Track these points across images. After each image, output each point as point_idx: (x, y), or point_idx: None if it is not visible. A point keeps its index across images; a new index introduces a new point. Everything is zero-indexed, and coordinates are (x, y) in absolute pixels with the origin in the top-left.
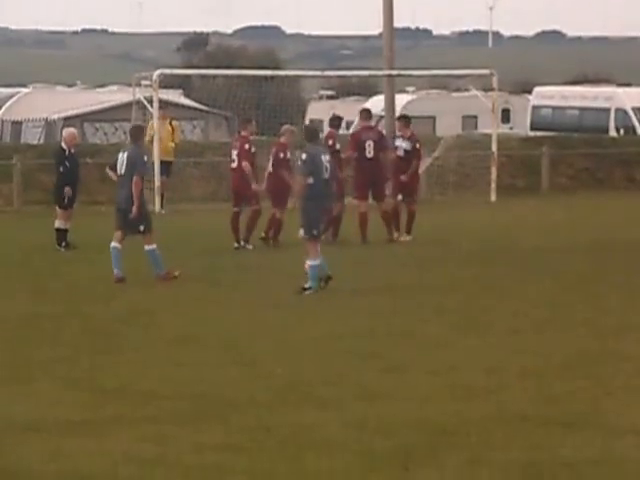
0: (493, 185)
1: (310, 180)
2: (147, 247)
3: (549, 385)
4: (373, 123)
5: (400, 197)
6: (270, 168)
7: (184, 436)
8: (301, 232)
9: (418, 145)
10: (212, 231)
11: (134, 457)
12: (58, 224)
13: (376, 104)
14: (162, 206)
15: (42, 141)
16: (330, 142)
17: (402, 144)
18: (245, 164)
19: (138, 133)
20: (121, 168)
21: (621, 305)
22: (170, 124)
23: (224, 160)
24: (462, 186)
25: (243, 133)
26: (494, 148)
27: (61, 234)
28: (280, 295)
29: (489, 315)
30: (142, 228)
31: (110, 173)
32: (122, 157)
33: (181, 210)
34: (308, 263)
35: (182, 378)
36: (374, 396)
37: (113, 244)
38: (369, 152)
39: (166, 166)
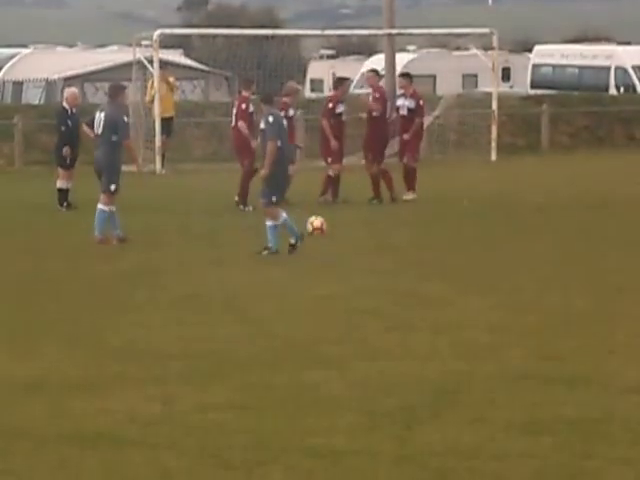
0: (493, 144)
1: (278, 143)
2: (101, 206)
3: (551, 343)
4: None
5: (405, 159)
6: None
7: (188, 395)
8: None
9: (421, 102)
10: (213, 191)
11: (138, 416)
12: (60, 184)
13: (376, 63)
14: (163, 166)
15: (43, 101)
16: (330, 105)
17: (405, 102)
18: (241, 123)
19: (117, 91)
20: (98, 127)
21: (622, 262)
22: (167, 82)
23: (225, 120)
24: (462, 145)
25: (244, 93)
26: (494, 107)
27: (63, 194)
28: (282, 255)
29: (491, 274)
30: (113, 188)
31: (87, 130)
32: (99, 116)
33: (182, 170)
34: (267, 224)
35: (185, 337)
36: (376, 355)
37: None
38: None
39: (167, 123)
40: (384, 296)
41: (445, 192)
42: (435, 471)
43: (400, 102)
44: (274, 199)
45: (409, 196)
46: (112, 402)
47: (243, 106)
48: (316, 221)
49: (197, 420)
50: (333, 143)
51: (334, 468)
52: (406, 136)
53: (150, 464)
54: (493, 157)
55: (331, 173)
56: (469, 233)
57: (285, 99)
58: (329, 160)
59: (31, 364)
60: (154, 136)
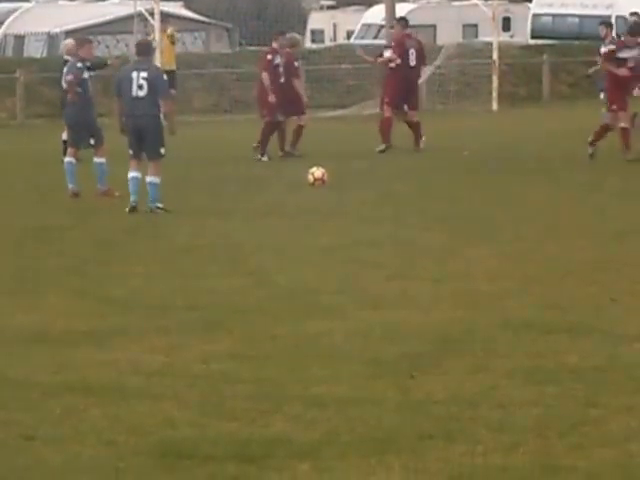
0: (494, 94)
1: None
2: (97, 159)
3: (553, 292)
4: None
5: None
6: (282, 78)
7: (190, 346)
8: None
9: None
10: (214, 142)
11: (141, 367)
12: (65, 136)
13: (376, 14)
14: (164, 118)
15: (45, 55)
16: (269, 57)
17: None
18: (264, 75)
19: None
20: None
21: (622, 211)
22: (168, 36)
23: (225, 72)
24: (463, 95)
25: (274, 44)
26: (495, 57)
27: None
28: (282, 205)
29: (491, 223)
30: (93, 141)
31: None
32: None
33: (182, 122)
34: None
35: (188, 289)
36: (378, 305)
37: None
38: (412, 60)
39: (169, 77)
40: (385, 246)
41: (446, 142)
42: (438, 419)
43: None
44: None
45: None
46: (115, 353)
47: (269, 57)
48: (317, 172)
49: (200, 370)
50: (272, 97)
51: (337, 417)
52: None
53: (153, 414)
54: (494, 107)
55: (302, 123)
56: (469, 183)
57: (289, 50)
58: (263, 112)
59: (34, 315)
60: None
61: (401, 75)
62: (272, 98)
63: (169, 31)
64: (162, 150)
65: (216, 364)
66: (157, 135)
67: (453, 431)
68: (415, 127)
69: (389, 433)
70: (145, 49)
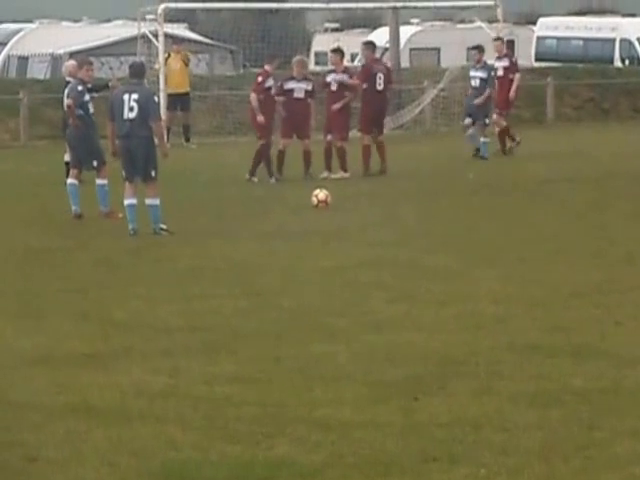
0: None
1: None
2: (99, 181)
3: (558, 315)
4: (378, 55)
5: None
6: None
7: (194, 368)
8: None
9: (354, 78)
10: (217, 164)
11: (144, 390)
12: (67, 157)
13: (380, 36)
14: (168, 139)
15: (48, 76)
16: (260, 79)
17: (336, 78)
18: (253, 96)
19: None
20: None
21: (628, 234)
22: (183, 58)
23: (229, 94)
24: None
25: (266, 67)
26: None
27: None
28: (286, 227)
29: (496, 245)
30: (95, 163)
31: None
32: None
33: (186, 144)
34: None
35: (191, 310)
36: (382, 327)
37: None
38: (380, 85)
39: (183, 99)
40: (389, 268)
41: (450, 165)
42: (442, 442)
43: (330, 77)
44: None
45: (337, 175)
46: (118, 375)
47: (259, 79)
48: (321, 194)
49: (204, 393)
50: (259, 118)
51: (341, 439)
52: (336, 105)
53: (156, 436)
54: (498, 129)
55: (281, 147)
56: (474, 205)
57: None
58: (258, 135)
59: (37, 338)
60: (172, 109)
61: (368, 100)
62: (260, 118)
63: (183, 52)
64: (153, 172)
65: (220, 386)
66: (148, 157)
67: (457, 454)
68: (381, 150)
69: (393, 456)
70: (138, 71)
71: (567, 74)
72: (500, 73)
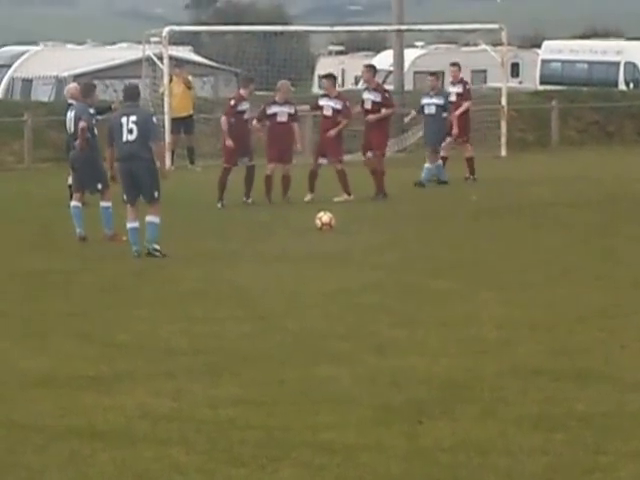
0: (503, 139)
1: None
2: (103, 204)
3: (562, 339)
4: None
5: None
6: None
7: (198, 391)
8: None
9: (347, 104)
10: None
11: (148, 412)
12: (70, 180)
13: (384, 60)
14: (172, 162)
15: (53, 98)
16: (232, 103)
17: (330, 103)
18: (223, 119)
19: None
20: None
21: (633, 258)
22: (185, 81)
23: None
24: (472, 140)
25: (240, 91)
26: (504, 102)
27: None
28: (289, 250)
29: (501, 269)
30: (100, 186)
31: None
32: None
33: (191, 166)
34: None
35: (195, 333)
36: (386, 350)
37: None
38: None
39: (186, 122)
40: (392, 291)
41: (454, 188)
42: (446, 467)
43: (323, 102)
44: (124, 197)
45: (340, 198)
46: (122, 397)
47: (232, 102)
48: (325, 217)
49: (208, 415)
50: (228, 142)
51: (345, 463)
52: (332, 132)
53: (161, 460)
54: (503, 152)
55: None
56: (478, 229)
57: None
58: (223, 158)
59: (41, 359)
60: (175, 132)
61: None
62: (228, 143)
63: (186, 75)
64: (156, 194)
65: (224, 409)
66: (151, 178)
67: (461, 478)
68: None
69: (397, 479)
70: (132, 93)
71: (572, 97)
72: (453, 99)
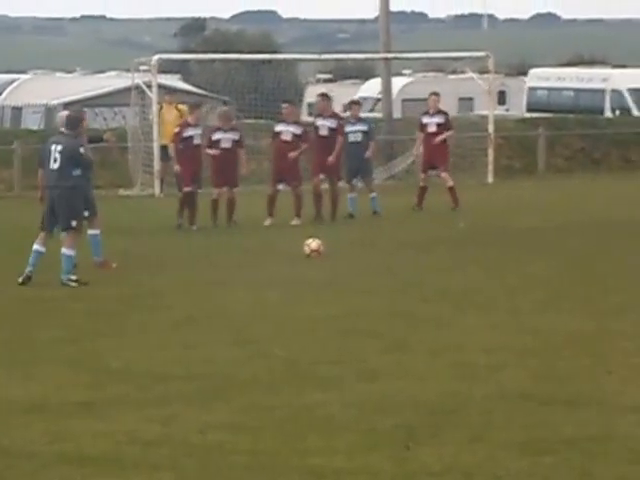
0: (490, 167)
1: (78, 172)
2: (91, 231)
3: (550, 364)
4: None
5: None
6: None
7: (188, 416)
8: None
9: (342, 123)
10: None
11: (138, 438)
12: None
13: (372, 87)
14: (161, 190)
15: (42, 127)
16: (177, 129)
17: (325, 123)
18: (170, 146)
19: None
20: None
21: (619, 284)
22: (177, 108)
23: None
24: (459, 168)
25: (189, 119)
26: (491, 129)
27: None
28: (278, 276)
29: (488, 295)
30: (87, 213)
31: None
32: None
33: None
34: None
35: (185, 359)
36: (375, 376)
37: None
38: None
39: None
40: (381, 317)
41: (442, 214)
42: None
43: (319, 122)
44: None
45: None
46: (112, 423)
47: (177, 129)
48: (313, 243)
49: (197, 441)
50: (176, 167)
51: None
52: (331, 158)
53: None
54: (490, 179)
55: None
56: (466, 255)
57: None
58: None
59: (31, 386)
60: (164, 160)
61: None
62: (177, 168)
63: (175, 104)
64: (73, 223)
65: (213, 434)
66: (68, 207)
67: None
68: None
69: None
70: (72, 122)
71: (558, 124)
72: (433, 129)
